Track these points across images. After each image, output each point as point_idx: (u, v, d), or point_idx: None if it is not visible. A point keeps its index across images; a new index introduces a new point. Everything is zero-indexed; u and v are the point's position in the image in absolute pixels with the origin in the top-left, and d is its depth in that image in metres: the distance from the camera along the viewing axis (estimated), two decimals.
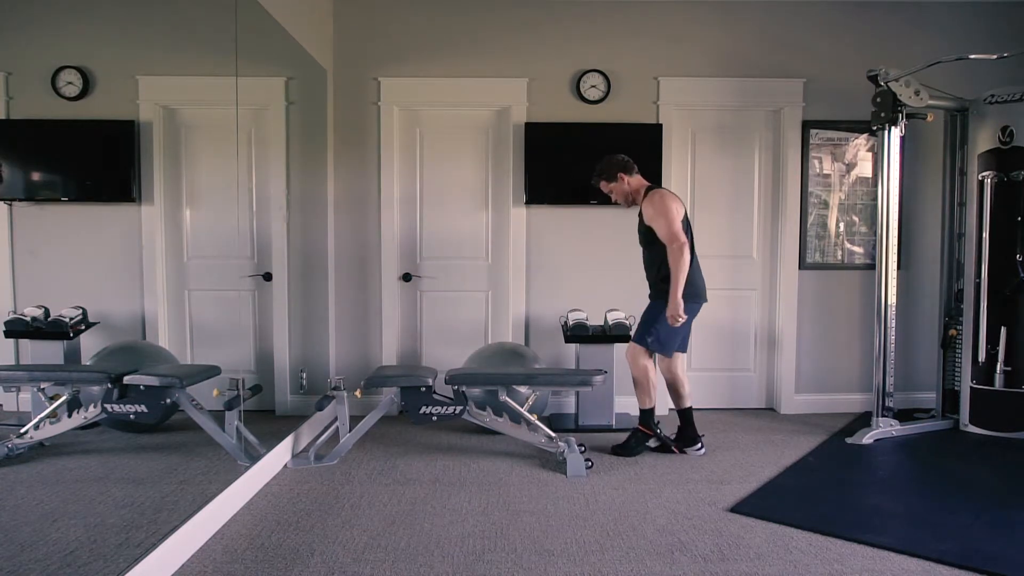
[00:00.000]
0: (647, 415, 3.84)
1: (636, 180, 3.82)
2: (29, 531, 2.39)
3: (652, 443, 3.87)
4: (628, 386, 4.57)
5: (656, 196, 3.69)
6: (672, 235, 3.58)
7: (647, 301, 3.87)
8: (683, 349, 3.90)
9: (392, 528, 2.87)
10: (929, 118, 4.22)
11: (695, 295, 3.72)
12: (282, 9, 3.57)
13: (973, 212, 4.23)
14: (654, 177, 4.53)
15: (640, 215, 3.77)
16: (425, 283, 4.76)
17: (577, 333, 4.29)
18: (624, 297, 4.55)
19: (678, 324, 3.62)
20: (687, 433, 3.86)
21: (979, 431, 4.22)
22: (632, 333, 4.27)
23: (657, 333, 3.72)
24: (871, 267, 4.64)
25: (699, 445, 3.85)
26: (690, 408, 3.88)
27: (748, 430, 4.34)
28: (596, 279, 4.69)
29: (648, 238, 3.73)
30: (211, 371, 3.25)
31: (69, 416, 2.80)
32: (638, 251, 3.88)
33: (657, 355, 3.84)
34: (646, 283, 3.89)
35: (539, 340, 4.71)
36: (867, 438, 4.07)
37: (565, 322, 4.39)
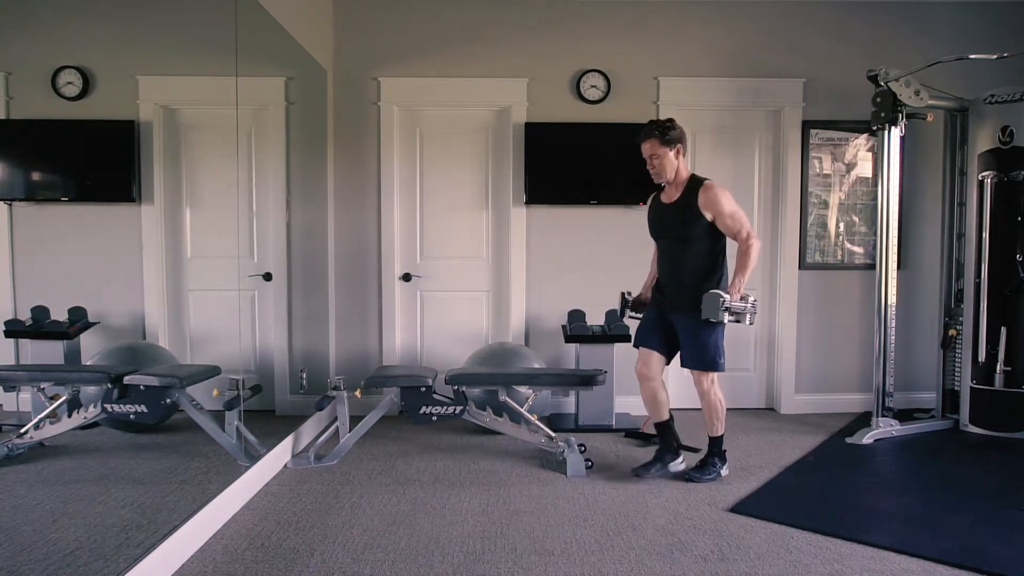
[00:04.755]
0: (719, 442, 3.50)
1: (685, 164, 3.42)
2: (29, 531, 2.39)
3: (724, 470, 3.51)
4: (628, 386, 4.58)
5: (718, 187, 3.33)
6: (749, 230, 3.29)
7: None
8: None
9: (392, 528, 2.87)
10: (929, 118, 4.22)
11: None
12: (282, 9, 3.57)
13: (973, 212, 4.23)
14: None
15: (681, 205, 3.34)
16: (425, 283, 4.76)
17: (577, 333, 4.29)
18: None
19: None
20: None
21: (979, 431, 4.22)
22: (634, 337, 4.17)
23: (720, 350, 3.34)
24: (871, 267, 4.64)
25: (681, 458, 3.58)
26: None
27: (748, 430, 4.34)
28: (596, 279, 4.69)
29: (687, 232, 3.33)
30: (211, 371, 3.25)
31: (69, 416, 2.80)
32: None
33: (645, 361, 3.51)
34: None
35: (539, 340, 4.71)
36: (867, 438, 4.06)
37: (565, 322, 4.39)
